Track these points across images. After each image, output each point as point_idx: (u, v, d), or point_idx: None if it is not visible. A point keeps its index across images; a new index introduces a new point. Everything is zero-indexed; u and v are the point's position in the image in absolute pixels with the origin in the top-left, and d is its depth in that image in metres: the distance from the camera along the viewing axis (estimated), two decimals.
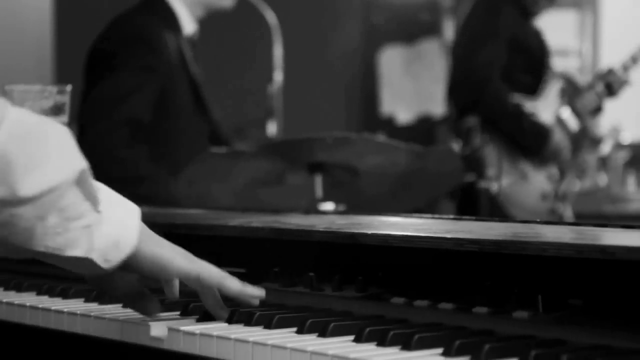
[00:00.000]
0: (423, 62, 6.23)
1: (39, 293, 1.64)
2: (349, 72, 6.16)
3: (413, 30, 6.22)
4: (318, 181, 2.53)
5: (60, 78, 4.62)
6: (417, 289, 1.32)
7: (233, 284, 1.29)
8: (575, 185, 4.47)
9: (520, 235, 1.30)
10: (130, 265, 1.23)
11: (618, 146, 5.60)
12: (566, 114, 4.19)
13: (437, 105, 6.00)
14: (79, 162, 1.17)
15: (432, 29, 6.25)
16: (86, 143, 2.81)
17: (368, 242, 1.37)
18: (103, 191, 1.21)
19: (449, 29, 6.53)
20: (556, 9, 5.73)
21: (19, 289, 1.69)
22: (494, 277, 1.27)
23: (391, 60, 6.21)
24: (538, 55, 4.19)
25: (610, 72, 4.22)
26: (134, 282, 1.32)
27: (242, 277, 1.32)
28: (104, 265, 1.19)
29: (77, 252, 1.16)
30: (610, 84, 4.22)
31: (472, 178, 3.56)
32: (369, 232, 1.39)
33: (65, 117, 1.84)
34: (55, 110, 1.82)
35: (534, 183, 3.98)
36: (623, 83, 4.21)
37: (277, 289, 1.46)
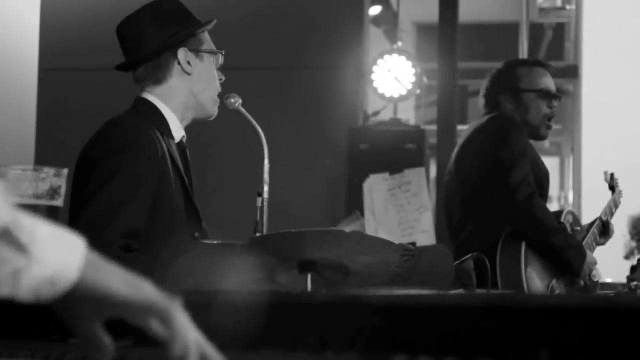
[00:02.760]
0: (408, 191, 6.30)
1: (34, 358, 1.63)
2: (335, 198, 6.22)
3: (399, 159, 6.31)
4: (309, 280, 2.53)
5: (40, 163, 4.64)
6: (420, 344, 1.33)
7: (176, 318, 1.29)
8: None
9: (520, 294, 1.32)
10: (73, 298, 1.28)
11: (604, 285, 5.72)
12: None
13: (420, 234, 6.05)
14: (1, 218, 1.25)
15: (417, 159, 6.35)
16: None
17: (372, 302, 1.38)
18: (42, 232, 1.28)
19: (433, 163, 6.65)
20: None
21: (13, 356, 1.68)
22: (497, 331, 1.28)
23: (376, 188, 6.28)
24: (545, 178, 4.22)
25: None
26: (89, 321, 1.33)
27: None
28: (37, 300, 1.28)
29: (3, 293, 1.26)
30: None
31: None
32: (372, 293, 1.41)
33: (60, 201, 1.83)
34: (50, 194, 1.82)
35: None
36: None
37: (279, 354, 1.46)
